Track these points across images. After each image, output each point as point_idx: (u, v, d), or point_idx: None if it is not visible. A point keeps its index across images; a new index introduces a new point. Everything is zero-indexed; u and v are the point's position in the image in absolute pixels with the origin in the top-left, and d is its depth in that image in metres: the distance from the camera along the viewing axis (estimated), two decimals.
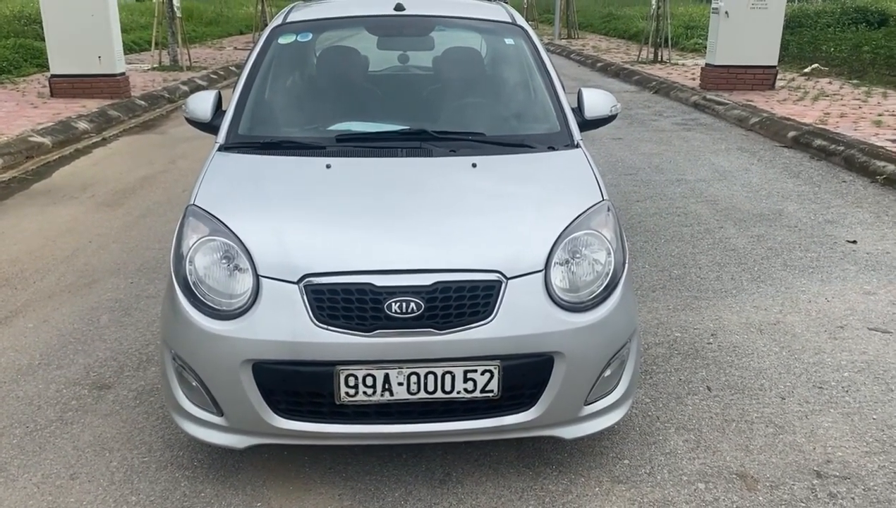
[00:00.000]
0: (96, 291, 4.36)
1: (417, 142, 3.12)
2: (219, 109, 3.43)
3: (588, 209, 2.72)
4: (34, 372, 3.46)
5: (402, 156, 3.05)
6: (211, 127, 3.36)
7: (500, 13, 3.93)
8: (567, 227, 2.61)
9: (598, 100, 3.51)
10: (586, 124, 3.47)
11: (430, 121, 3.39)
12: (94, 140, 8.60)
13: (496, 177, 2.95)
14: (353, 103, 3.59)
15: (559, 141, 3.24)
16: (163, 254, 4.90)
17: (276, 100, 3.56)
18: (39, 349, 3.68)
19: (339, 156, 3.02)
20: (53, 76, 10.54)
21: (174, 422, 2.71)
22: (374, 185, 2.85)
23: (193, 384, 2.53)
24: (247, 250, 2.51)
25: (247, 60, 3.55)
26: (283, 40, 3.65)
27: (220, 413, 2.52)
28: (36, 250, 5.02)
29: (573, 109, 3.45)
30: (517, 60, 3.72)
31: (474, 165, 2.96)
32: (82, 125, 8.73)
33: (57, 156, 7.73)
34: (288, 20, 3.75)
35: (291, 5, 4.08)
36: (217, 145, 3.18)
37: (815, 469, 2.79)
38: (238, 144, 3.16)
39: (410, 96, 3.85)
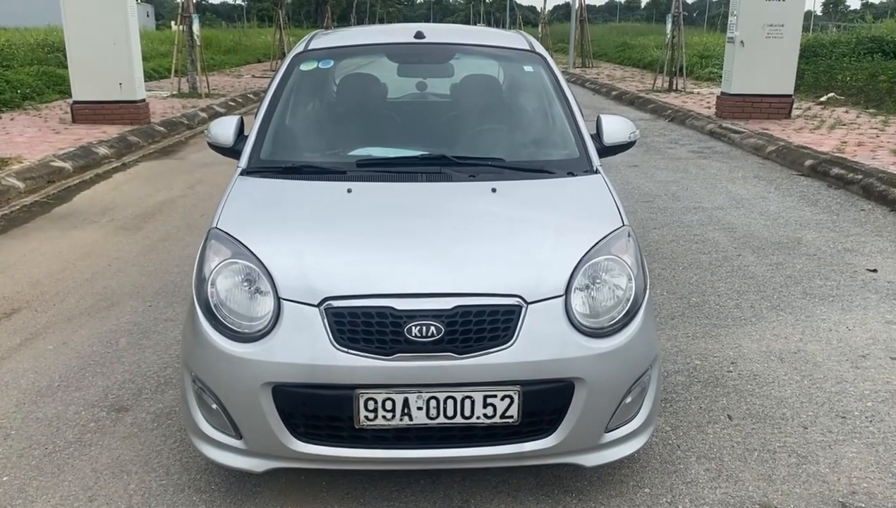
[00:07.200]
0: (115, 314, 4.38)
1: (437, 167, 3.14)
2: (241, 134, 3.46)
3: (608, 234, 2.71)
4: (53, 394, 3.47)
5: (422, 181, 3.06)
6: (233, 152, 3.39)
7: (520, 41, 3.96)
8: (587, 252, 2.60)
9: (616, 127, 3.52)
10: (605, 150, 3.48)
11: (450, 146, 3.41)
12: (114, 165, 8.72)
13: (516, 202, 2.95)
14: (374, 129, 3.62)
15: (578, 166, 3.24)
16: (181, 277, 4.93)
17: (298, 126, 3.59)
18: (59, 371, 3.69)
19: (360, 181, 3.03)
20: (75, 102, 10.72)
21: (192, 445, 2.71)
22: (394, 209, 2.86)
23: (213, 406, 2.52)
24: (268, 273, 2.51)
25: (269, 86, 3.59)
26: (304, 67, 3.70)
27: (239, 436, 2.51)
28: (56, 273, 5.06)
29: (592, 136, 3.46)
30: (536, 87, 3.74)
31: (494, 190, 2.96)
32: (103, 150, 8.85)
33: (77, 181, 7.84)
34: (310, 47, 3.80)
35: (313, 32, 4.14)
36: (239, 170, 3.20)
37: (841, 500, 2.74)
38: (260, 169, 3.18)
39: (430, 122, 3.87)
